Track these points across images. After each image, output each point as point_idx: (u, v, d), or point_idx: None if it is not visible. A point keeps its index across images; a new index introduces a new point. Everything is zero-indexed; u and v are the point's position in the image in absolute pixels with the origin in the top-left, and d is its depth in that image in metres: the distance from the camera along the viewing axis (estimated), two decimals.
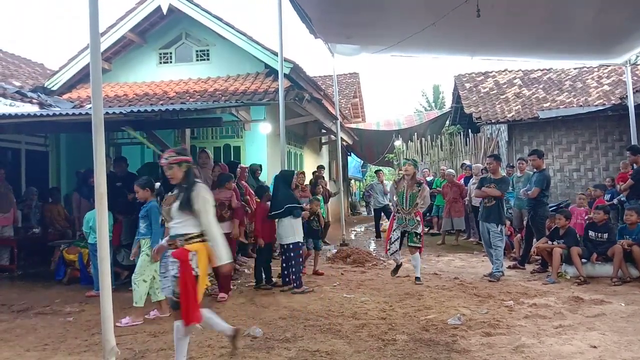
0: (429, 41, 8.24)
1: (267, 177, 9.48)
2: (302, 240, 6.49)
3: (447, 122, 18.08)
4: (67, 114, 6.90)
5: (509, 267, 7.59)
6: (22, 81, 10.90)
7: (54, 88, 11.08)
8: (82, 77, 11.12)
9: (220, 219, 5.99)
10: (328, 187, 11.65)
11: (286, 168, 7.92)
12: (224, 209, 6.02)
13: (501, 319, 4.83)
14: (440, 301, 5.64)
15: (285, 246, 6.37)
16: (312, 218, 7.35)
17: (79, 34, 60.69)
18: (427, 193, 6.94)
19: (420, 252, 6.88)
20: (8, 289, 6.81)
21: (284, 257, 6.45)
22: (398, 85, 67.31)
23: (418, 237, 6.77)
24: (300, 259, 6.44)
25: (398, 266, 7.14)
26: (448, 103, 23.70)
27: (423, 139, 15.75)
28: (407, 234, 6.86)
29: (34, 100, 9.74)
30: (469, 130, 15.38)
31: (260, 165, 9.26)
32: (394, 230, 6.91)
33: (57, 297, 6.27)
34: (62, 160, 10.49)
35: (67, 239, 7.99)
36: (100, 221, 3.57)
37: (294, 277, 6.33)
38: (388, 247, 7.03)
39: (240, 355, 3.95)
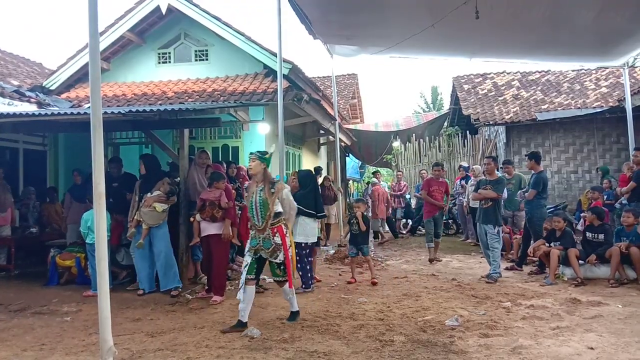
0: (427, 42, 8.26)
1: None
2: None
3: (446, 124, 18.13)
4: (65, 114, 6.88)
5: (507, 269, 7.61)
6: (21, 80, 10.89)
7: (53, 87, 11.06)
8: (80, 77, 11.12)
9: (212, 218, 5.98)
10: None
11: (285, 169, 7.91)
12: (215, 209, 5.99)
13: (499, 320, 4.84)
14: (437, 302, 5.64)
15: (310, 244, 6.42)
16: (351, 221, 7.15)
17: (77, 33, 60.58)
18: (287, 195, 4.89)
19: (290, 287, 4.82)
20: (5, 289, 6.80)
21: (298, 258, 6.40)
22: (396, 86, 67.42)
23: (282, 267, 4.73)
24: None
25: (241, 322, 4.63)
26: (446, 104, 23.75)
27: (421, 140, 15.78)
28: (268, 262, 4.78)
29: (32, 100, 9.73)
30: (467, 132, 15.42)
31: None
32: (245, 254, 4.88)
33: (54, 296, 6.27)
34: (60, 159, 10.48)
35: (64, 239, 7.96)
36: (98, 221, 3.56)
37: (301, 273, 6.38)
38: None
39: (238, 356, 3.95)
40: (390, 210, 12.53)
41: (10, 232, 8.36)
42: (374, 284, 6.71)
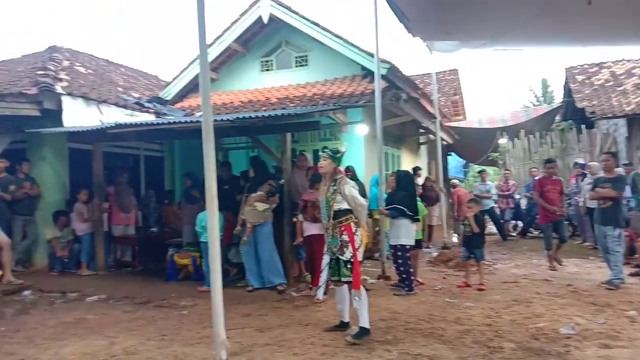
0: (534, 32, 7.75)
1: (364, 180, 9.49)
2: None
3: (558, 118, 16.92)
4: (179, 122, 7.45)
5: (631, 275, 6.94)
6: (140, 92, 11.88)
7: (168, 98, 11.93)
8: (192, 87, 11.88)
9: (314, 219, 6.10)
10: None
11: (384, 169, 7.87)
12: (316, 210, 6.09)
13: (622, 331, 4.44)
14: (551, 309, 5.30)
15: (398, 246, 6.34)
16: (464, 223, 6.97)
17: (190, 42, 65.15)
18: (351, 190, 4.59)
19: (356, 288, 4.47)
20: (131, 283, 7.49)
21: (401, 260, 6.38)
22: (502, 80, 64.03)
23: (348, 265, 4.51)
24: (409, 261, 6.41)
25: (343, 323, 4.76)
26: (558, 97, 22.21)
27: (531, 136, 14.87)
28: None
29: (151, 110, 10.57)
30: (583, 126, 14.26)
31: (350, 167, 9.21)
32: (324, 253, 4.86)
33: (172, 291, 6.79)
34: (176, 164, 11.33)
35: (181, 238, 8.58)
36: (211, 221, 3.81)
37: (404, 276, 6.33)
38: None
39: (342, 354, 4.00)
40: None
41: (135, 232, 9.21)
42: (480, 289, 6.43)
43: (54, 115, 8.24)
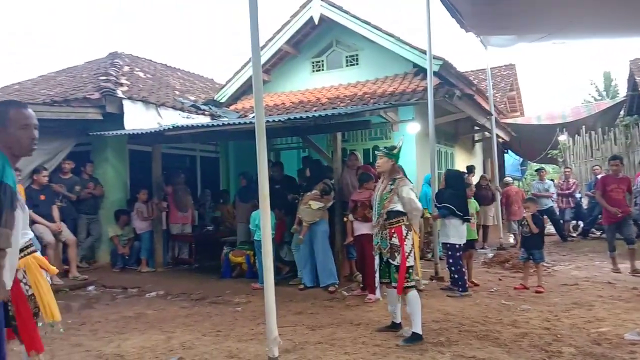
0: (596, 23, 7.40)
1: (416, 179, 9.37)
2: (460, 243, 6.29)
3: (622, 113, 16.04)
4: (233, 124, 7.62)
5: None
6: (196, 95, 12.25)
7: (222, 100, 12.23)
8: (245, 89, 12.12)
9: (364, 219, 6.07)
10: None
11: (436, 168, 7.75)
12: (366, 209, 6.04)
13: None
14: (615, 313, 5.04)
15: (449, 245, 6.25)
16: (522, 223, 6.70)
17: (243, 46, 66.53)
18: (409, 192, 4.42)
19: (402, 292, 4.36)
20: (188, 280, 7.74)
21: (452, 260, 6.28)
22: (561, 74, 61.41)
23: (397, 270, 4.35)
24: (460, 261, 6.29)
25: (395, 323, 4.70)
26: (622, 91, 21.06)
27: (593, 132, 14.19)
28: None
29: (206, 112, 10.88)
30: None
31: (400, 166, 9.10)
32: (374, 253, 4.72)
33: (227, 288, 6.96)
34: (230, 164, 11.62)
35: (235, 236, 8.78)
36: (264, 220, 3.88)
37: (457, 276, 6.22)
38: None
39: (393, 355, 3.98)
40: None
41: (191, 230, 9.51)
42: (538, 292, 6.19)
43: (116, 119, 8.63)
